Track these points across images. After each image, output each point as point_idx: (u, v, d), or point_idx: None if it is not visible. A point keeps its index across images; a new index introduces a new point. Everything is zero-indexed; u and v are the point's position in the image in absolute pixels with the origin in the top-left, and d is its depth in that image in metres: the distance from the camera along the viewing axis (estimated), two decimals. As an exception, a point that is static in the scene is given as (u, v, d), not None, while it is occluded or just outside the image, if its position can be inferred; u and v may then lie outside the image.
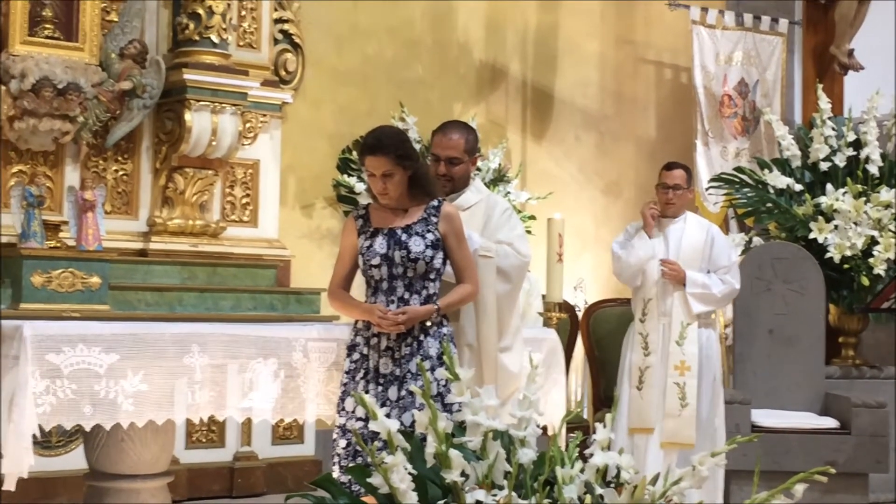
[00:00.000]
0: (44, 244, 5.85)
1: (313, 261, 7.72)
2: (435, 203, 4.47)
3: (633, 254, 6.43)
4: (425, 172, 4.51)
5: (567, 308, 7.48)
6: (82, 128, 6.39)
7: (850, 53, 8.68)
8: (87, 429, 4.00)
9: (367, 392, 4.27)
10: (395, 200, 4.43)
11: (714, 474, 6.01)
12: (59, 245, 6.04)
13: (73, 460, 6.22)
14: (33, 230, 5.74)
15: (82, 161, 6.60)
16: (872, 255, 7.71)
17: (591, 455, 3.55)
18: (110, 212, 6.61)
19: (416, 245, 4.36)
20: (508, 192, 8.29)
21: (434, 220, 4.43)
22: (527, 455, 3.48)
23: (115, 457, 4.33)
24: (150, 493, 4.37)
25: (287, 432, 7.33)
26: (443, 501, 3.28)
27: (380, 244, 4.38)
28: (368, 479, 3.31)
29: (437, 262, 4.40)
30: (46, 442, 6.42)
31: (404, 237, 4.37)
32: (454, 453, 3.32)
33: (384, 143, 4.37)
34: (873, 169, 8.07)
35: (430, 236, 4.38)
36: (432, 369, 4.27)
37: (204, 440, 7.05)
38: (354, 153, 7.98)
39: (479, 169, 7.86)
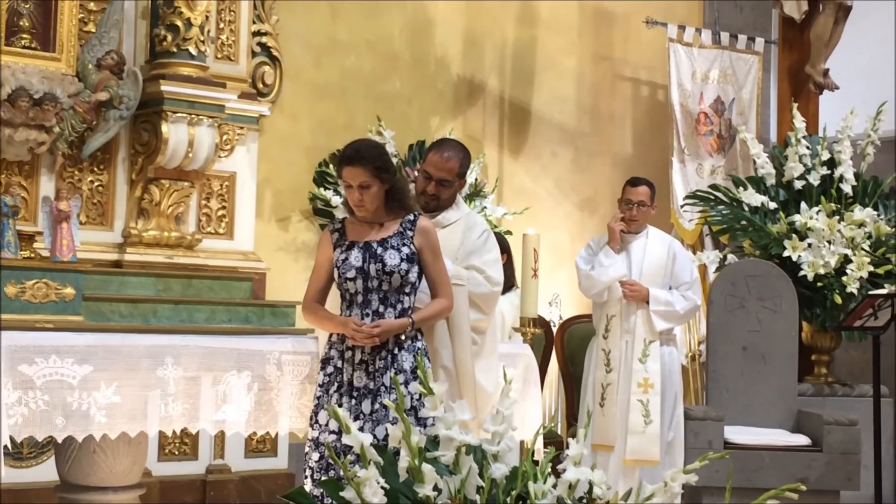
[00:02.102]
0: (18, 254, 5.82)
1: (289, 274, 7.72)
2: (411, 217, 4.49)
3: (605, 272, 6.46)
4: (402, 186, 4.53)
5: (542, 323, 7.50)
6: (58, 138, 6.36)
7: (826, 73, 8.75)
8: (59, 440, 3.98)
9: (340, 405, 4.27)
10: (371, 213, 4.44)
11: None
12: (33, 256, 6.01)
13: (45, 472, 6.18)
14: (7, 240, 5.71)
15: (58, 171, 6.57)
16: (845, 274, 7.76)
17: (564, 470, 3.57)
18: (85, 223, 6.58)
19: (392, 258, 4.37)
20: (485, 207, 8.30)
21: (410, 233, 4.44)
22: (499, 470, 3.49)
23: (86, 468, 4.31)
24: (121, 506, 4.37)
25: (260, 445, 7.31)
26: (415, 515, 3.28)
27: (355, 257, 4.39)
28: (341, 493, 3.31)
29: (413, 276, 4.41)
30: (17, 453, 6.38)
31: (380, 250, 4.38)
32: (427, 467, 3.33)
33: (363, 154, 4.39)
34: (847, 188, 8.13)
35: (405, 250, 4.40)
36: (406, 383, 4.28)
37: (177, 452, 7.02)
38: (331, 166, 7.98)
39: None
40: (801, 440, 6.97)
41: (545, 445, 6.08)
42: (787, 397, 7.34)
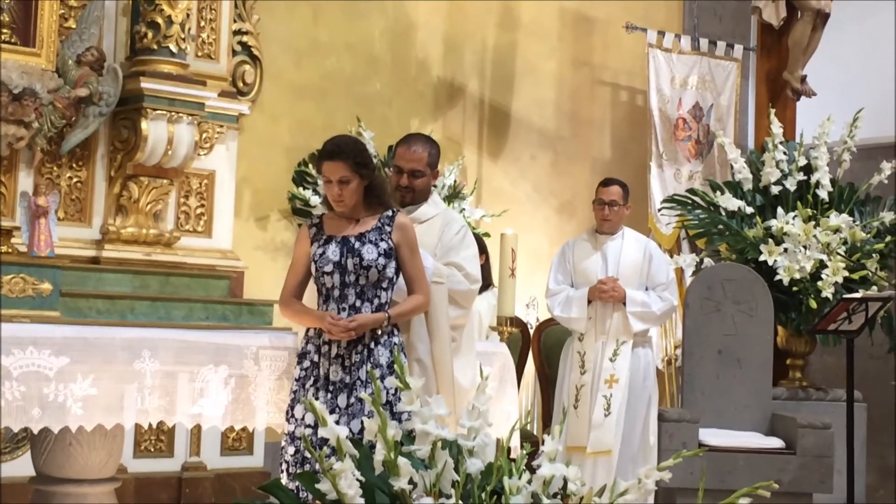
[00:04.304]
0: (-5, 249, 5.81)
1: (267, 273, 7.71)
2: (389, 213, 4.51)
3: (567, 321, 6.57)
4: (381, 183, 4.55)
5: (519, 324, 7.52)
6: (37, 134, 6.35)
7: (803, 79, 8.80)
8: (35, 432, 3.98)
9: (316, 399, 4.28)
10: (349, 208, 4.46)
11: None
12: (10, 251, 6.00)
13: (20, 467, 6.17)
14: (-16, 235, 5.70)
15: (36, 167, 6.56)
16: (821, 279, 7.81)
17: (539, 467, 3.59)
18: (63, 219, 6.58)
19: (369, 253, 4.39)
20: (463, 209, 8.33)
21: (388, 229, 4.46)
22: (475, 465, 3.51)
23: (62, 461, 4.31)
24: (96, 498, 4.35)
25: (236, 443, 7.31)
26: (390, 509, 3.29)
27: (333, 251, 4.40)
28: (317, 485, 3.32)
29: (390, 271, 4.43)
30: (-8, 448, 6.37)
31: (357, 245, 4.40)
32: (403, 461, 3.34)
33: (343, 149, 4.42)
34: (823, 194, 8.18)
35: (383, 245, 4.42)
36: (382, 378, 4.29)
37: (152, 449, 7.01)
38: (311, 166, 8.00)
39: (435, 185, 7.90)
40: (775, 443, 7.00)
41: (521, 445, 6.10)
42: (761, 400, 7.37)
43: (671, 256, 8.43)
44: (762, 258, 7.91)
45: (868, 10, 9.45)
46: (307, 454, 4.25)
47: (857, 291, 7.27)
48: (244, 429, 7.06)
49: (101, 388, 3.99)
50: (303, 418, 4.34)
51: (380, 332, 4.39)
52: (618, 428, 6.44)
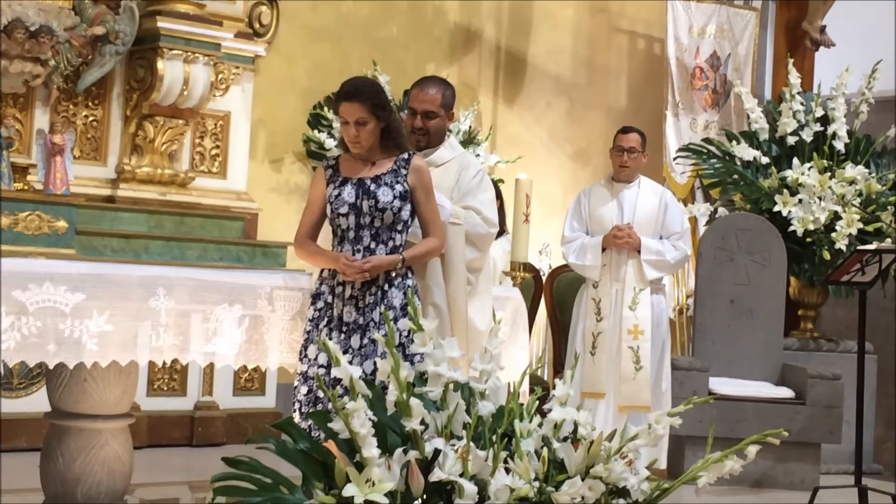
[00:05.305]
0: (11, 186, 5.84)
1: (281, 215, 7.74)
2: (405, 156, 4.51)
3: (581, 268, 6.56)
4: (398, 125, 4.54)
5: (531, 270, 7.54)
6: (53, 71, 6.36)
7: (822, 30, 8.74)
8: (51, 367, 4.01)
9: (329, 340, 4.30)
10: (366, 150, 4.46)
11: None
12: (26, 188, 6.03)
13: (35, 402, 6.24)
14: (1, 171, 5.73)
15: (52, 105, 6.57)
16: (835, 230, 7.80)
17: (550, 411, 3.62)
18: (79, 157, 6.60)
19: (385, 195, 4.39)
20: (478, 155, 8.32)
21: (403, 172, 4.46)
22: (486, 408, 3.54)
23: (77, 396, 4.34)
24: (111, 434, 4.38)
25: (249, 383, 7.37)
26: (402, 449, 3.32)
27: (348, 193, 4.41)
28: (329, 425, 3.35)
29: (405, 214, 4.43)
30: (7, 383, 6.43)
31: (373, 187, 4.40)
32: (415, 402, 3.37)
33: (361, 90, 4.42)
34: (839, 145, 8.15)
35: (398, 187, 4.42)
36: (395, 319, 4.30)
37: (165, 388, 7.07)
38: (326, 109, 7.99)
39: (449, 130, 7.89)
40: (785, 393, 7.04)
41: (531, 390, 6.13)
42: (772, 351, 7.40)
43: (685, 206, 8.43)
44: (776, 209, 7.90)
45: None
46: (320, 394, 4.27)
47: (871, 243, 7.26)
48: (256, 369, 7.11)
49: (117, 325, 4.00)
50: (316, 358, 4.36)
51: (394, 275, 4.41)
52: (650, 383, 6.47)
